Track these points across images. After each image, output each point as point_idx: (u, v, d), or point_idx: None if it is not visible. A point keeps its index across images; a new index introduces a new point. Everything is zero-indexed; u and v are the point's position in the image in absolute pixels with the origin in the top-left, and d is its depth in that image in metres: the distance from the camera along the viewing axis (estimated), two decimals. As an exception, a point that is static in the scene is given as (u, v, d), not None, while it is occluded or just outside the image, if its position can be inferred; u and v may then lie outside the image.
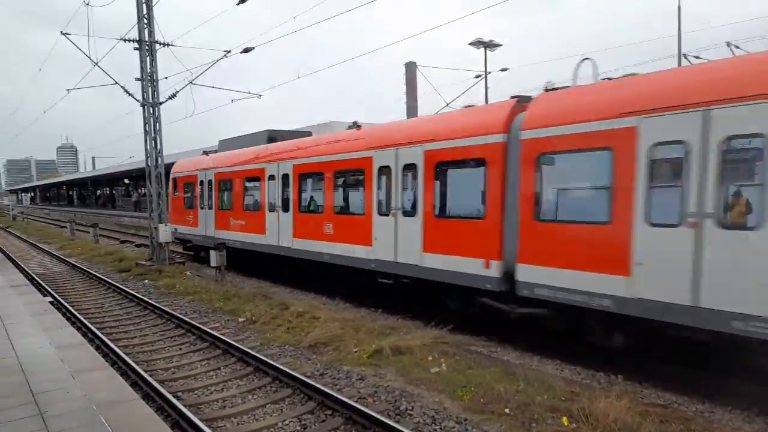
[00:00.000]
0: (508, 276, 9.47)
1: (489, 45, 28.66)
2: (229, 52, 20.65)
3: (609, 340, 8.48)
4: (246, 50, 19.78)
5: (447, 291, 11.15)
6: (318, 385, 7.55)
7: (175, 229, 22.17)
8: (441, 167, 10.86)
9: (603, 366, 8.51)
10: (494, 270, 9.64)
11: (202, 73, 20.90)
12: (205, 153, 21.76)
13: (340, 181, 13.95)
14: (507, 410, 6.82)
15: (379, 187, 12.24)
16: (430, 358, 8.93)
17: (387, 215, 11.97)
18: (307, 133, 18.81)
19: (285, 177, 15.82)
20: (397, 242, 11.75)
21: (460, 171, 10.79)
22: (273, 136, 18.45)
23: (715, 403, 7.17)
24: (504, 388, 7.39)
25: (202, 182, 20.80)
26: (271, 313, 12.16)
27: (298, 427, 6.72)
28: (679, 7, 21.22)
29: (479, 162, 9.98)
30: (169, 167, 22.58)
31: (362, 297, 13.88)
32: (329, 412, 7.07)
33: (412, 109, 26.63)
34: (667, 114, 7.27)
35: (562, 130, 8.57)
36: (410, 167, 11.40)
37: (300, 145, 15.89)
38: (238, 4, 17.85)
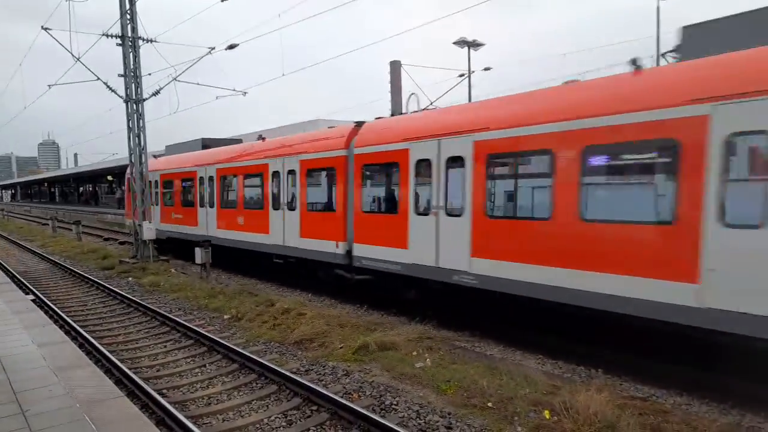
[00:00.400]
0: (350, 253, 12.80)
1: (472, 44, 28.81)
2: (213, 48, 20.52)
3: (407, 294, 11.75)
4: (231, 47, 19.66)
5: (317, 265, 14.19)
6: (303, 381, 7.59)
7: (132, 222, 22.95)
8: (309, 172, 14.32)
9: (584, 360, 8.67)
10: (341, 249, 13.06)
11: (186, 70, 20.76)
12: (154, 156, 24.39)
13: (256, 180, 16.73)
14: (490, 404, 6.92)
15: (276, 186, 15.38)
16: (414, 353, 9.02)
17: (278, 209, 15.23)
18: (238, 141, 22.41)
19: (210, 179, 19.43)
20: (284, 230, 15.02)
21: (319, 174, 14.21)
22: (207, 144, 21.99)
23: (692, 396, 7.34)
24: (487, 382, 7.49)
25: (153, 182, 23.61)
26: (256, 310, 12.15)
27: (284, 423, 6.76)
28: (658, 8, 21.52)
29: (330, 170, 13.55)
30: (123, 168, 25.31)
31: (347, 294, 13.93)
32: (315, 407, 7.11)
33: (397, 107, 26.66)
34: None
35: (372, 149, 12.24)
36: (291, 173, 14.83)
37: (221, 153, 19.54)
38: (222, 0, 17.72)
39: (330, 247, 13.33)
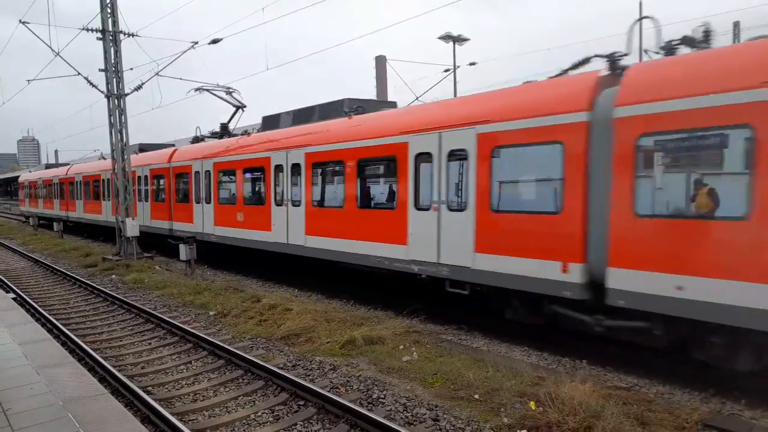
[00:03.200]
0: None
1: (457, 39, 28.84)
2: (196, 43, 20.29)
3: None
4: (214, 41, 19.46)
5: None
6: (290, 376, 7.57)
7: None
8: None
9: (569, 351, 8.77)
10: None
11: (168, 65, 20.50)
12: (103, 157, 28.25)
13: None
14: (476, 396, 6.96)
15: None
16: (401, 347, 9.04)
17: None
18: (172, 145, 25.49)
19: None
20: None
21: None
22: (143, 148, 25.97)
23: (675, 386, 7.46)
24: (473, 374, 7.53)
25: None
26: (242, 306, 12.08)
27: (271, 418, 6.74)
28: (641, 4, 21.72)
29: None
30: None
31: (334, 289, 13.92)
32: (302, 402, 7.10)
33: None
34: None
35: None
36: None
37: (155, 156, 22.63)
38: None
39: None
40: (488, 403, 6.78)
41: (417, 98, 15.79)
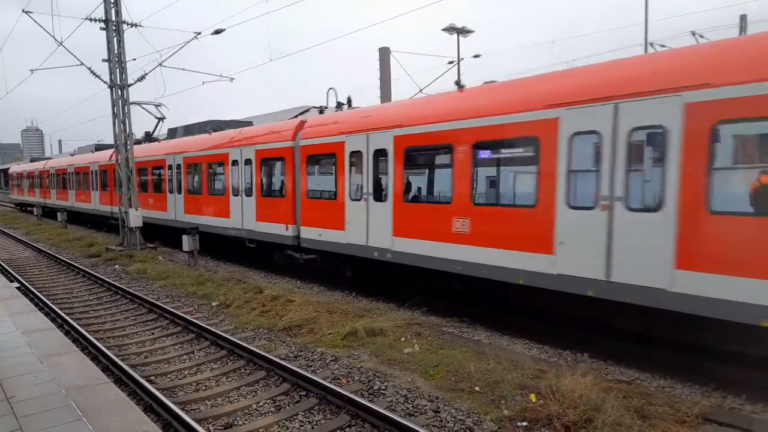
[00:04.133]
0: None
1: (462, 31, 28.64)
2: (199, 33, 20.22)
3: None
4: (217, 32, 19.39)
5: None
6: (292, 367, 7.60)
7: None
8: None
9: (570, 345, 8.77)
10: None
11: (171, 55, 20.49)
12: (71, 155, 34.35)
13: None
14: (477, 388, 6.98)
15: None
16: (403, 339, 9.06)
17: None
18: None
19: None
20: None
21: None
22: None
23: (676, 379, 7.47)
24: (474, 367, 7.56)
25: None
26: (245, 297, 12.12)
27: (273, 409, 6.77)
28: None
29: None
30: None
31: (335, 281, 13.94)
32: (303, 393, 7.13)
33: (386, 94, 26.56)
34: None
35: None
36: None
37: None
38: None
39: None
40: (489, 395, 6.81)
41: (420, 90, 15.69)
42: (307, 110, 17.38)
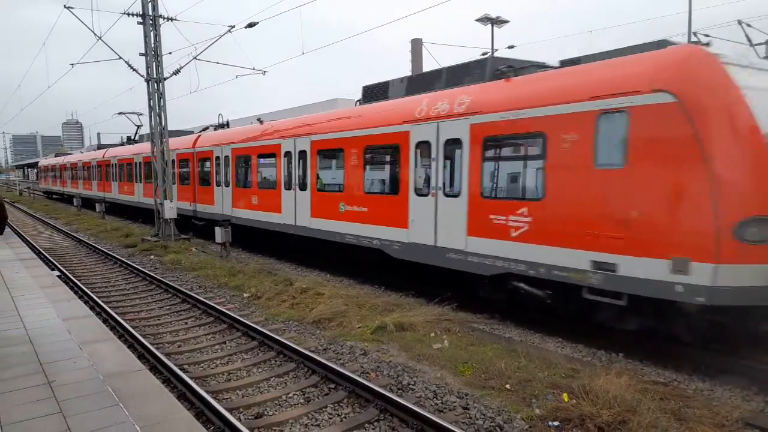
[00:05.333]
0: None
1: (496, 21, 28.23)
2: (233, 27, 20.44)
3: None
4: (250, 25, 19.55)
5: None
6: (321, 360, 7.64)
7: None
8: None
9: (604, 344, 8.58)
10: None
11: (206, 49, 20.74)
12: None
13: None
14: (508, 386, 6.89)
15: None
16: (432, 334, 9.01)
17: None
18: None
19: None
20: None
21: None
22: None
23: (715, 382, 7.23)
24: (505, 364, 7.46)
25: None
26: (275, 289, 12.25)
27: (302, 400, 6.82)
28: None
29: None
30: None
31: (366, 274, 13.97)
32: (332, 385, 7.17)
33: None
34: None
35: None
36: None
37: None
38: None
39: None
40: (520, 393, 6.71)
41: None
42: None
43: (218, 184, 19.92)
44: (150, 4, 19.91)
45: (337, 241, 13.75)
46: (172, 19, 20.59)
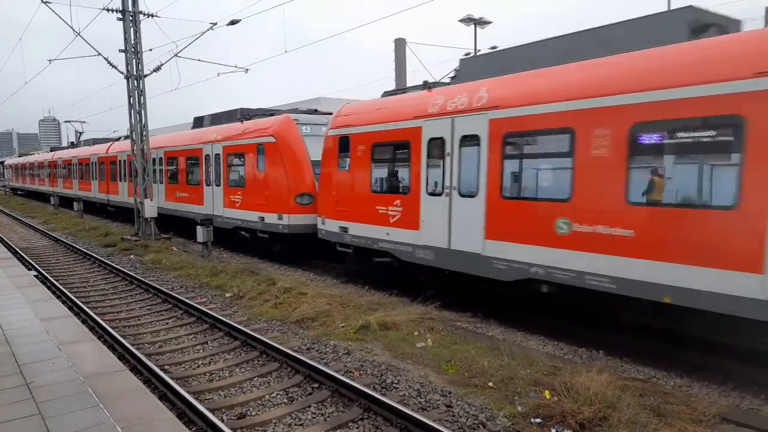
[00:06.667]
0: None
1: (479, 22, 28.40)
2: (215, 24, 20.25)
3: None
4: (232, 23, 19.40)
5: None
6: (305, 359, 7.62)
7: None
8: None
9: (585, 342, 8.69)
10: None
11: (187, 46, 20.57)
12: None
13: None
14: (491, 384, 6.95)
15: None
16: (416, 333, 9.05)
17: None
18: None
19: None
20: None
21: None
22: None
23: (693, 378, 7.37)
24: (488, 362, 7.52)
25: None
26: (258, 289, 12.18)
27: (285, 400, 6.80)
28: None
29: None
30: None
31: (348, 273, 13.95)
32: (316, 385, 7.15)
33: (402, 85, 26.43)
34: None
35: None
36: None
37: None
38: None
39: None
40: (502, 391, 6.77)
41: (437, 81, 15.59)
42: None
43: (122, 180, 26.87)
44: (130, 0, 19.62)
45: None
46: (152, 16, 20.32)
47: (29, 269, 14.28)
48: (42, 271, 14.47)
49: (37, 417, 4.90)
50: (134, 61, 20.07)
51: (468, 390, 6.87)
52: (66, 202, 35.74)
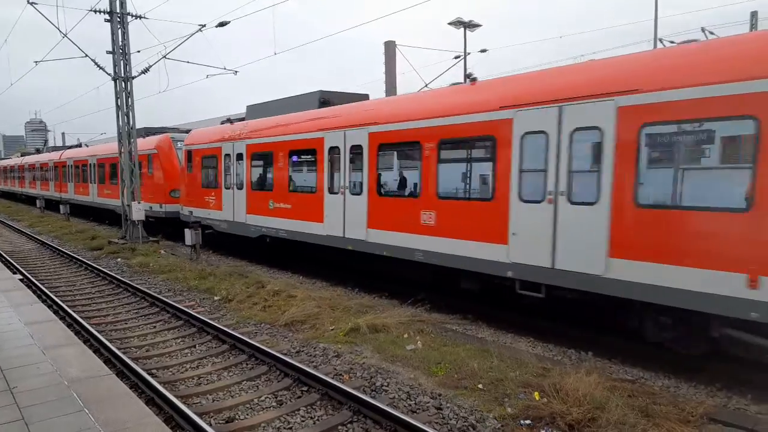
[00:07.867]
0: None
1: (468, 25, 28.51)
2: (204, 26, 20.14)
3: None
4: (221, 24, 19.31)
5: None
6: (294, 362, 7.57)
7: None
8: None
9: (574, 343, 8.73)
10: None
11: (176, 47, 20.40)
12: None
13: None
14: (480, 386, 6.95)
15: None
16: (406, 335, 9.02)
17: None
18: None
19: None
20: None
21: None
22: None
23: (680, 379, 7.42)
24: (478, 364, 7.52)
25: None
26: (247, 292, 12.10)
27: (274, 403, 6.74)
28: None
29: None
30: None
31: (338, 276, 13.92)
32: (305, 388, 7.10)
33: (391, 88, 26.45)
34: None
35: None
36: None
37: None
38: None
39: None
40: (492, 392, 6.77)
41: (426, 85, 15.62)
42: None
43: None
44: (117, 1, 19.47)
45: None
46: (140, 17, 20.17)
47: (14, 273, 14.09)
48: (27, 274, 14.27)
49: (20, 423, 4.81)
50: (122, 62, 19.91)
51: (458, 392, 6.86)
52: (53, 205, 36.03)
